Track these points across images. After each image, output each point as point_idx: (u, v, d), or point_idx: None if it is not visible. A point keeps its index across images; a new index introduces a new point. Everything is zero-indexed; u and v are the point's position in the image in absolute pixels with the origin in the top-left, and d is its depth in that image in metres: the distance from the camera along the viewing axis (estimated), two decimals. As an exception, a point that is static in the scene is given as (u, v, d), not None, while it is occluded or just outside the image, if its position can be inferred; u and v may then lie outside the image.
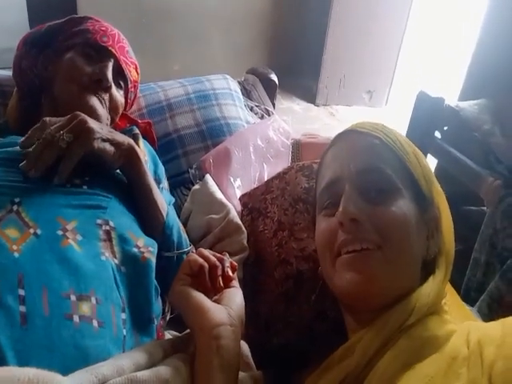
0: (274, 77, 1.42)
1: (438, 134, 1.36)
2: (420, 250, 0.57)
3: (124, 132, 0.89)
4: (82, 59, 0.81)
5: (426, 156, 1.33)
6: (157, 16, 2.37)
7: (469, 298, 0.99)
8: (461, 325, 0.53)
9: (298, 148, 1.08)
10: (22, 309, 0.50)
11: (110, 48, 0.83)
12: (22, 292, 0.51)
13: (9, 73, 0.97)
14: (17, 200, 0.60)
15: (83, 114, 0.68)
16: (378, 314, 0.53)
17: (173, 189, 1.00)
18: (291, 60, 2.85)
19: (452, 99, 1.37)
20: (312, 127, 2.44)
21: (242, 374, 0.59)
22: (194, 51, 2.56)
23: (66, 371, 0.45)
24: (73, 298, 0.54)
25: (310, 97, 2.82)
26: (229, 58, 2.65)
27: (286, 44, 2.84)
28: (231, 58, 2.67)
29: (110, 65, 0.82)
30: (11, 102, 0.89)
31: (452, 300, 0.73)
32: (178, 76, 1.30)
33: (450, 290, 0.77)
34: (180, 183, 1.02)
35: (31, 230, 0.58)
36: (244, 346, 0.62)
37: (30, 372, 0.41)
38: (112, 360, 0.49)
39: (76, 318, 0.53)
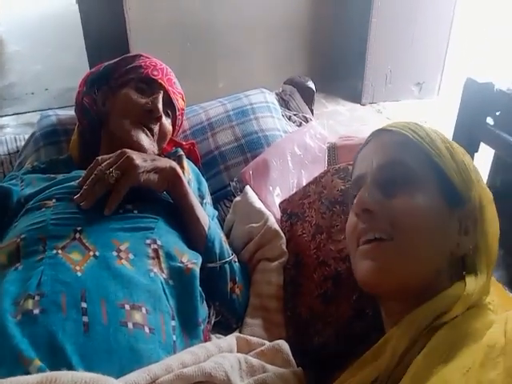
0: (310, 84, 1.45)
1: (490, 121, 1.31)
2: (445, 244, 0.57)
3: (169, 155, 0.98)
4: (135, 93, 0.91)
5: (478, 145, 1.29)
6: (199, 38, 2.48)
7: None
8: (500, 315, 0.53)
9: (334, 151, 1.11)
10: (85, 319, 0.59)
11: (159, 81, 0.92)
12: (84, 305, 0.61)
13: (70, 112, 1.10)
14: (79, 228, 0.71)
15: (130, 151, 0.77)
16: (408, 309, 0.54)
17: (217, 202, 1.06)
18: (334, 62, 2.84)
19: (504, 83, 1.31)
20: (358, 128, 2.42)
21: (284, 371, 0.63)
22: (237, 66, 2.64)
23: (122, 372, 0.53)
24: (127, 307, 0.63)
25: (356, 97, 2.78)
26: (270, 69, 2.70)
27: (326, 47, 2.84)
28: (273, 68, 2.71)
29: (160, 96, 0.91)
30: (73, 138, 1.01)
31: (498, 294, 0.71)
32: (224, 92, 1.39)
33: (495, 285, 0.74)
34: (223, 196, 1.08)
35: (91, 253, 0.68)
36: (284, 344, 0.67)
37: (87, 376, 0.49)
38: (162, 361, 0.56)
39: (130, 325, 0.61)
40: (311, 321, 0.76)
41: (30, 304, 0.60)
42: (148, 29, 2.30)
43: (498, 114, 1.31)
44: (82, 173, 0.79)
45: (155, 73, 0.93)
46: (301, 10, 2.72)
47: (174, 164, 0.82)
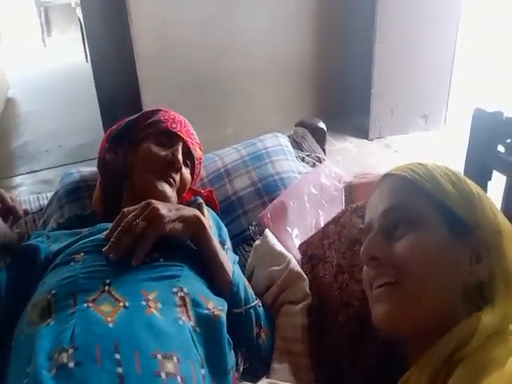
0: (321, 124, 1.49)
1: (501, 149, 1.33)
2: (456, 277, 0.58)
3: (189, 203, 1.00)
4: (155, 146, 0.95)
5: (491, 173, 1.30)
6: (208, 87, 2.57)
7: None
8: None
9: (350, 190, 1.13)
10: (119, 370, 0.60)
11: (178, 133, 0.97)
12: (117, 356, 0.61)
13: (92, 168, 1.13)
14: (107, 281, 0.72)
15: (155, 202, 0.79)
16: (429, 346, 0.54)
17: (236, 247, 1.07)
18: (339, 101, 2.91)
19: (513, 110, 1.34)
20: (366, 163, 2.45)
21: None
22: (245, 111, 2.71)
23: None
24: (159, 356, 0.63)
25: (363, 132, 2.82)
26: (278, 112, 2.77)
27: (332, 87, 2.91)
28: (280, 110, 2.78)
29: (180, 148, 0.96)
30: (95, 193, 1.03)
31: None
32: (233, 137, 1.43)
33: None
34: (242, 241, 1.09)
35: (121, 304, 0.69)
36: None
37: None
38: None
39: (163, 375, 0.61)
40: (339, 363, 0.75)
41: (64, 357, 0.61)
42: (159, 83, 2.38)
43: (508, 141, 1.33)
44: (107, 225, 0.82)
45: (174, 125, 0.97)
46: (305, 53, 2.81)
47: (198, 213, 0.84)
